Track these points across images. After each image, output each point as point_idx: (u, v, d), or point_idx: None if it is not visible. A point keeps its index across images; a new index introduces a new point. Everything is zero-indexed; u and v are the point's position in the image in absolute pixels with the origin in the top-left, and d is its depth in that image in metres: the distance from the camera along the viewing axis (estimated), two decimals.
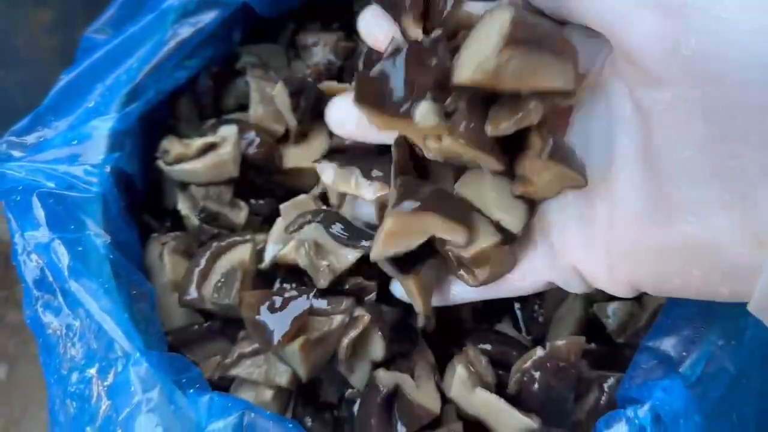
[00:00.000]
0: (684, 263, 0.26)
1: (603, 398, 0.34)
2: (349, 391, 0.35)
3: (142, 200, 0.38)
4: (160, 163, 0.38)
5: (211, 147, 0.37)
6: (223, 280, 0.35)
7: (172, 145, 0.38)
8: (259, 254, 0.36)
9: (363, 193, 0.34)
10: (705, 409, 0.31)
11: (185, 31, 0.37)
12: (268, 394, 0.34)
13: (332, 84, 0.39)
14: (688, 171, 0.25)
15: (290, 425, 0.30)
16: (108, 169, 0.34)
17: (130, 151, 0.36)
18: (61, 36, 0.71)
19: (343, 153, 0.38)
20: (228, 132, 0.37)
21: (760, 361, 0.34)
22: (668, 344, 0.32)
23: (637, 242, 0.27)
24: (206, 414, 0.30)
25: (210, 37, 0.38)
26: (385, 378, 0.32)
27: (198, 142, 0.37)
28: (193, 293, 0.35)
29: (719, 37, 0.23)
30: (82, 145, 0.35)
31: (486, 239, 0.30)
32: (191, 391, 0.31)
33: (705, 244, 0.25)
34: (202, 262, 0.35)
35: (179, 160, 0.37)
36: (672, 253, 0.26)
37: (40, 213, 0.33)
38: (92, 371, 0.34)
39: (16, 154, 0.35)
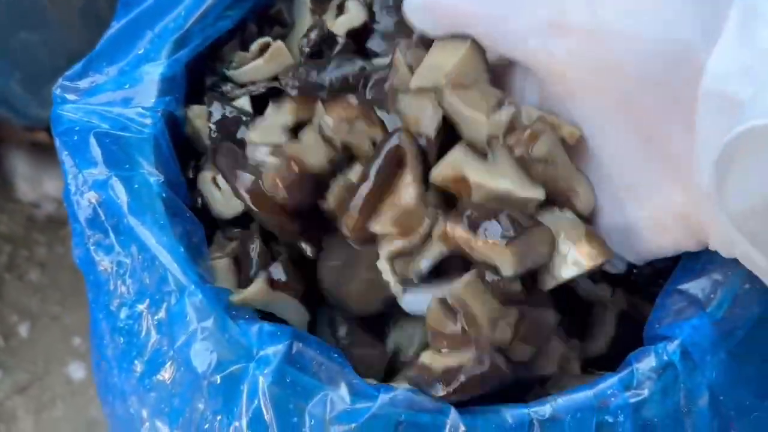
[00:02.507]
0: (654, 234, 0.33)
1: None
2: None
3: (183, 143, 0.40)
4: (227, 72, 0.40)
5: (266, 47, 0.41)
6: None
7: (237, 56, 0.41)
8: None
9: None
10: (730, 347, 0.33)
11: None
12: None
13: None
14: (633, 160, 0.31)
15: (335, 354, 0.32)
16: (160, 111, 0.36)
17: (179, 96, 0.37)
18: None
19: None
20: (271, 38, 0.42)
21: None
22: (696, 287, 0.34)
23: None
24: (257, 341, 0.32)
25: None
26: None
27: (254, 46, 0.41)
28: None
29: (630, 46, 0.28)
30: (134, 89, 0.36)
31: None
32: (242, 321, 0.33)
33: (666, 212, 0.31)
34: None
35: (242, 65, 0.40)
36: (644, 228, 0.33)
37: (97, 152, 0.34)
38: (142, 307, 0.36)
39: (71, 97, 0.37)
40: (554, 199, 0.33)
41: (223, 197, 0.38)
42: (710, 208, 0.29)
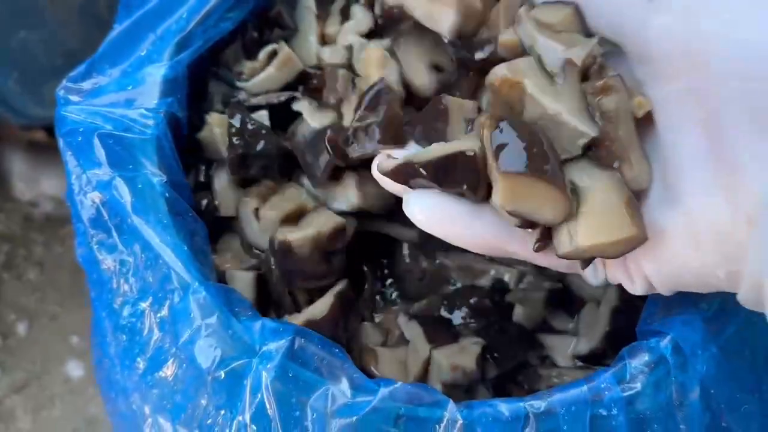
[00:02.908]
0: (683, 245, 0.28)
1: None
2: None
3: (185, 143, 0.41)
4: (238, 84, 0.41)
5: (273, 55, 0.41)
6: None
7: (245, 67, 0.41)
8: None
9: None
10: (720, 343, 0.33)
11: None
12: None
13: None
14: (690, 155, 0.28)
15: (336, 349, 0.33)
16: (162, 113, 0.36)
17: (180, 97, 0.38)
18: None
19: None
20: (279, 44, 0.42)
21: None
22: None
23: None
24: (260, 338, 0.32)
25: None
26: None
27: (262, 54, 0.41)
28: None
29: (722, 38, 0.26)
30: (137, 91, 0.37)
31: None
32: (245, 318, 0.33)
33: (703, 224, 0.27)
34: None
35: (252, 75, 0.41)
36: (673, 236, 0.28)
37: (100, 152, 0.35)
38: (145, 305, 0.37)
39: (74, 98, 0.37)
40: (603, 161, 0.30)
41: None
42: (762, 234, 0.26)
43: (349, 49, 0.42)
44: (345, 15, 0.44)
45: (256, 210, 0.40)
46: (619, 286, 0.32)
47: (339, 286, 0.39)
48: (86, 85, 0.38)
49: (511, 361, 0.39)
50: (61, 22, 0.74)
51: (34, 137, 0.86)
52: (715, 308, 0.34)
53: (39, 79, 0.77)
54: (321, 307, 0.38)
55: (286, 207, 0.40)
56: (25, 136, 0.87)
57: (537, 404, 0.31)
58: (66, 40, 0.75)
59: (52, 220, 0.92)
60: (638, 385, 0.32)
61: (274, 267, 0.39)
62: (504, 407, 0.31)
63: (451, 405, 0.31)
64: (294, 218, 0.40)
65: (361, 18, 0.42)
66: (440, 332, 0.39)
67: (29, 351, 0.87)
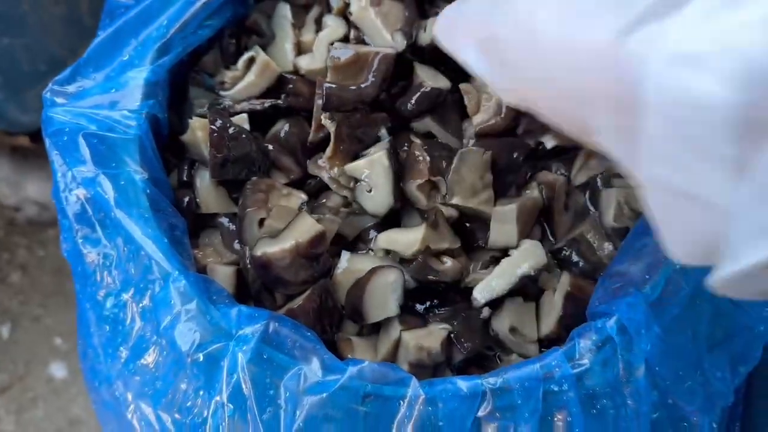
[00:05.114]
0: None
1: None
2: None
3: (165, 143, 0.43)
4: (222, 93, 0.43)
5: (251, 62, 0.44)
6: None
7: (225, 76, 0.43)
8: None
9: None
10: (663, 323, 0.36)
11: None
12: None
13: None
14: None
15: (308, 333, 0.35)
16: (144, 114, 0.39)
17: (161, 99, 0.40)
18: (67, 4, 0.74)
19: None
20: (255, 51, 0.44)
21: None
22: (632, 269, 0.37)
23: None
24: (236, 323, 0.34)
25: None
26: None
27: (240, 62, 0.44)
28: None
29: None
30: (120, 93, 0.39)
31: None
32: (222, 305, 0.36)
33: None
34: None
35: (235, 83, 0.43)
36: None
37: (85, 151, 0.37)
38: (127, 296, 0.39)
39: (60, 101, 0.39)
40: None
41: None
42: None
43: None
44: (320, 24, 0.46)
45: (262, 220, 0.41)
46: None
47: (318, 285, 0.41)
48: (71, 88, 0.40)
49: (475, 347, 0.41)
50: (44, 29, 0.75)
51: (18, 143, 0.87)
52: (658, 291, 0.37)
53: (22, 85, 0.78)
54: (298, 301, 0.40)
55: (287, 219, 0.41)
56: (8, 141, 0.87)
57: (493, 381, 0.34)
58: (49, 47, 0.76)
59: (35, 224, 0.93)
60: (587, 362, 0.35)
61: (251, 269, 0.40)
62: (463, 384, 0.34)
63: (414, 381, 0.33)
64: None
65: (335, 27, 0.45)
66: (411, 318, 0.42)
67: (12, 352, 0.88)
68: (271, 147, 0.44)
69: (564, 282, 0.40)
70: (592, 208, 0.44)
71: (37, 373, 0.87)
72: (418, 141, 0.43)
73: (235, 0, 0.44)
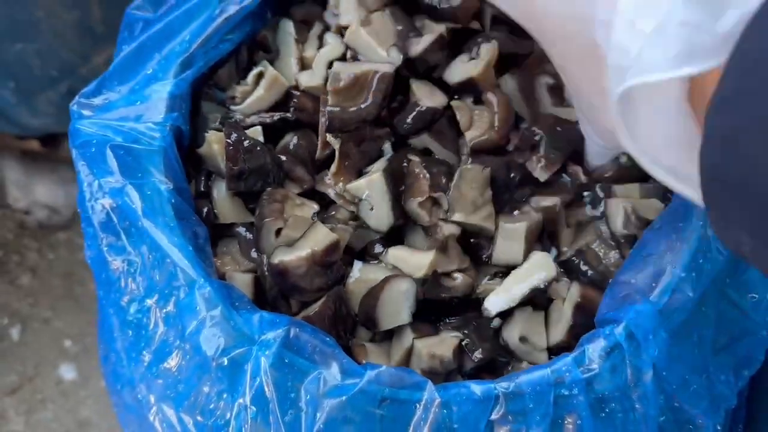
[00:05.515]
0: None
1: None
2: None
3: (186, 154, 0.44)
4: (233, 107, 0.44)
5: (260, 76, 0.45)
6: None
7: (236, 91, 0.45)
8: None
9: None
10: (670, 329, 0.37)
11: (231, 8, 0.42)
12: None
13: None
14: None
15: (327, 338, 0.37)
16: (168, 126, 0.40)
17: (184, 112, 0.42)
18: (79, 11, 0.75)
19: None
20: (263, 66, 0.46)
21: (716, 296, 0.41)
22: (639, 277, 0.39)
23: None
24: (258, 328, 0.36)
25: (249, 14, 0.44)
26: None
27: (250, 76, 0.45)
28: None
29: None
30: (144, 106, 0.40)
31: None
32: (244, 311, 0.37)
33: None
34: None
35: (245, 97, 0.44)
36: None
37: (113, 162, 0.38)
38: (151, 301, 0.40)
39: (86, 113, 0.41)
40: None
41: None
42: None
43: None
44: (322, 40, 0.48)
45: (279, 230, 0.43)
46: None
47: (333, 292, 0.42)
48: (97, 100, 0.41)
49: (486, 355, 0.42)
50: (57, 35, 0.76)
51: (29, 146, 0.88)
52: (664, 298, 0.38)
53: (34, 90, 0.79)
54: (315, 307, 0.41)
55: (303, 228, 0.42)
56: (19, 145, 0.88)
57: (506, 385, 0.35)
58: (61, 53, 0.77)
59: (45, 227, 0.94)
60: (596, 368, 0.36)
61: (268, 277, 0.42)
62: (476, 388, 0.35)
63: (430, 385, 0.34)
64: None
65: (335, 45, 0.46)
66: (423, 325, 0.43)
67: (22, 354, 0.89)
68: (284, 158, 0.45)
69: (573, 293, 0.42)
70: (596, 213, 0.45)
71: (47, 375, 0.88)
72: (416, 158, 0.44)
73: (255, 15, 0.45)
